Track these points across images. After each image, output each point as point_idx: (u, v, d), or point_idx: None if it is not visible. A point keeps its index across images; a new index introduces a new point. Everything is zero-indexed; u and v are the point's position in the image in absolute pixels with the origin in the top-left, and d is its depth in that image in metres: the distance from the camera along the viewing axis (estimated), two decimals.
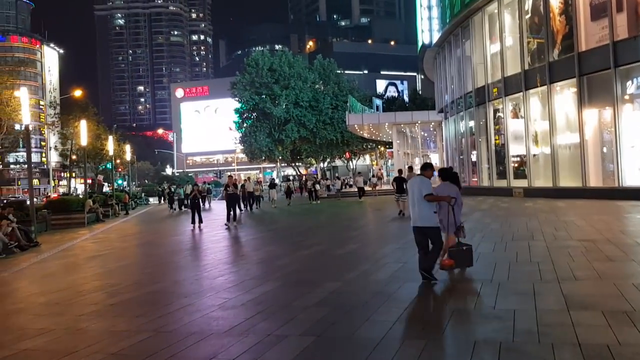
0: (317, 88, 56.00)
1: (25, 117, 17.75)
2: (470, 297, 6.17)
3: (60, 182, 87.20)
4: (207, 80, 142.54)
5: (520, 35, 23.59)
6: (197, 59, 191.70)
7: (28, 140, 19.33)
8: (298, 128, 52.59)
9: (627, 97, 18.78)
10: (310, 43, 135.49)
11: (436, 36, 33.44)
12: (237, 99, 55.22)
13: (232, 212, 18.06)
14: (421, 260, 6.97)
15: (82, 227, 21.43)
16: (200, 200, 20.27)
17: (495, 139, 26.04)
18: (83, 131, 26.68)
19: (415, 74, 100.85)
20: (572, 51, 20.24)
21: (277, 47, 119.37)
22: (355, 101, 46.87)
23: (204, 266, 9.89)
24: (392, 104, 62.74)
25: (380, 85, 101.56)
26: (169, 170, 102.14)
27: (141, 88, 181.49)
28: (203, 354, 4.71)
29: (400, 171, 19.93)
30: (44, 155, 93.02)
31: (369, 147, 61.50)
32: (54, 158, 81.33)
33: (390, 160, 56.49)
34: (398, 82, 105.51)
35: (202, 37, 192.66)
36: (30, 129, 19.60)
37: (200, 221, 18.50)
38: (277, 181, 46.88)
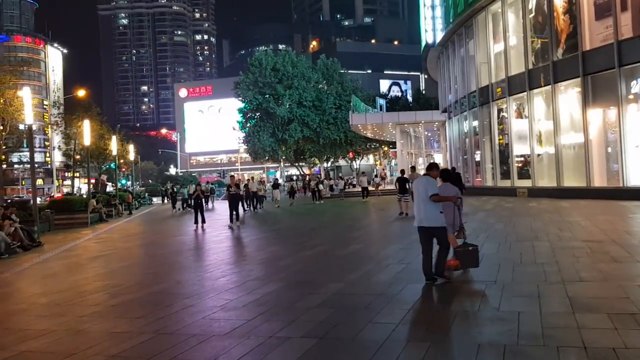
0: (321, 88, 56.04)
1: (28, 117, 17.77)
2: (474, 299, 6.12)
3: (64, 182, 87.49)
4: (211, 80, 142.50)
5: (524, 34, 23.52)
6: (200, 58, 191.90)
7: (31, 140, 19.40)
8: (301, 128, 52.62)
9: (631, 96, 18.69)
10: (314, 43, 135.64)
11: (440, 36, 33.40)
12: (240, 98, 55.33)
13: (234, 213, 18.00)
14: (425, 262, 6.92)
15: (85, 227, 21.45)
16: (203, 200, 20.27)
17: (499, 139, 25.93)
18: (86, 131, 26.73)
19: (418, 73, 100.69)
20: (576, 50, 20.16)
21: (280, 46, 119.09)
22: (358, 101, 46.75)
23: (206, 267, 9.86)
24: (395, 104, 62.56)
25: (384, 85, 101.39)
26: (172, 170, 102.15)
27: (145, 88, 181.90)
28: (204, 356, 4.68)
29: (402, 171, 19.87)
30: (47, 155, 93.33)
31: (373, 147, 61.42)
32: (57, 158, 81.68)
33: (393, 160, 56.36)
34: (402, 82, 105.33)
35: (205, 36, 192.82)
36: (34, 128, 19.66)
37: (203, 221, 18.50)
38: (280, 181, 46.85)
